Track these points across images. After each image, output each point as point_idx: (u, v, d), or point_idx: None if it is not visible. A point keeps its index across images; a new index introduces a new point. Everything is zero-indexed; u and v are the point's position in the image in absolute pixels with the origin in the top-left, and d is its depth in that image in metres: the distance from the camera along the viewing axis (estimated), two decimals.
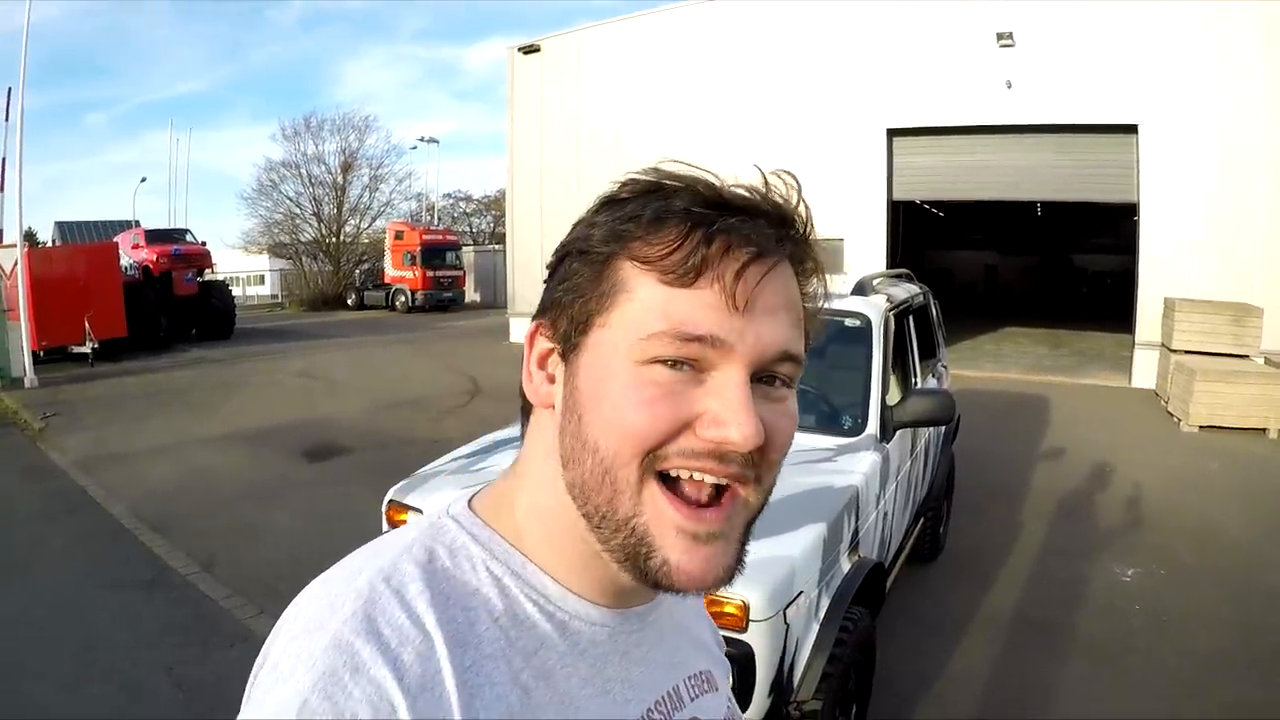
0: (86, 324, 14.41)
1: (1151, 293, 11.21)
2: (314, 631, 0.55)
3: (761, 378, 0.59)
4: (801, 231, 0.62)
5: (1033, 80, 11.54)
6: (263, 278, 38.55)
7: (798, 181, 0.62)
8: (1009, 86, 11.56)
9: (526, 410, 0.68)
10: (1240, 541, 5.66)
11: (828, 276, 0.66)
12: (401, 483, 3.46)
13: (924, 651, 4.07)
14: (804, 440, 3.32)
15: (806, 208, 0.62)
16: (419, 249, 26.92)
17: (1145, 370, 11.21)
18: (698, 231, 0.57)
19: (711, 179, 0.60)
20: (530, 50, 17.21)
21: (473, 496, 0.68)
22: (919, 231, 28.32)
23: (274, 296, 35.82)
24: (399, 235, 27.91)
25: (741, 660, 2.22)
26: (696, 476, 0.57)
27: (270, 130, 63.16)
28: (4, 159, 14.00)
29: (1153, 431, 8.94)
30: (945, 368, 5.42)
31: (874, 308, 3.74)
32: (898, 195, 13.31)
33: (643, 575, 0.59)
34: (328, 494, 6.83)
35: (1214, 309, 10.05)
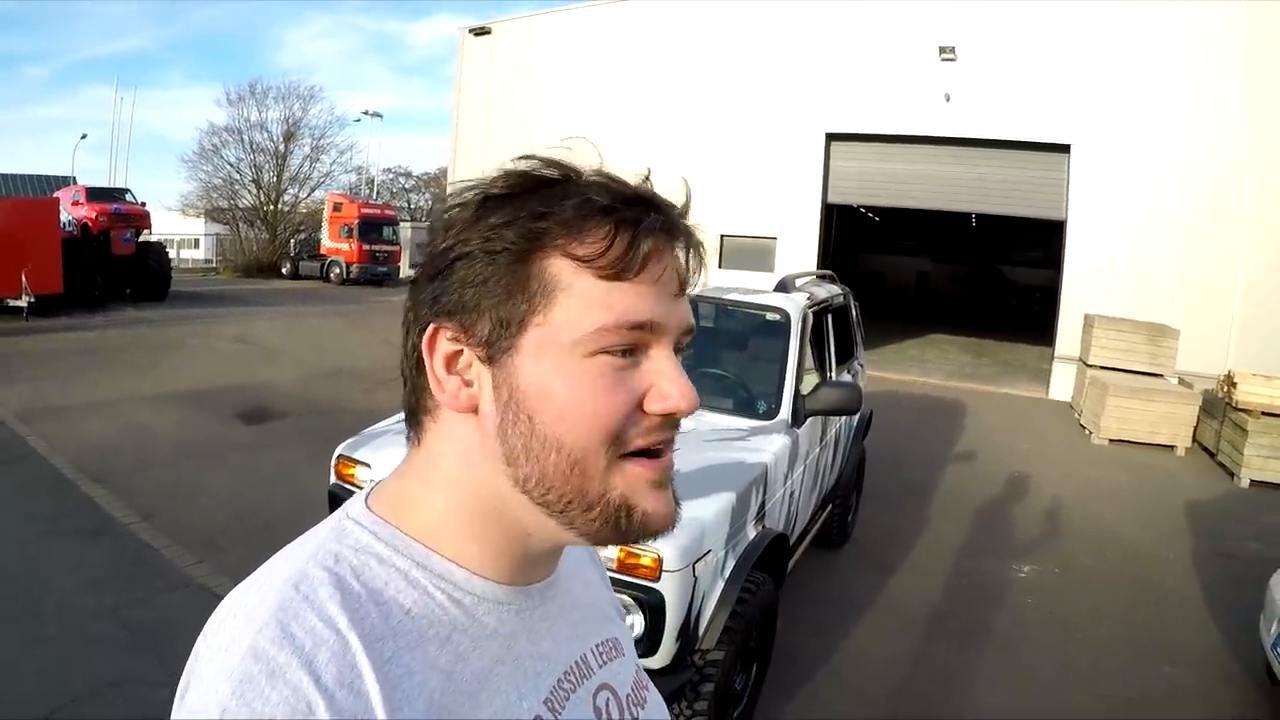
0: (23, 278, 14.09)
1: (1073, 308, 11.76)
2: (230, 644, 0.57)
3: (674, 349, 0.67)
4: (689, 224, 0.69)
5: (972, 94, 12.00)
6: (198, 242, 37.60)
7: (687, 185, 0.80)
8: (948, 99, 12.02)
9: (416, 413, 0.70)
10: (1137, 546, 6.05)
11: (706, 264, 0.71)
12: (350, 440, 3.73)
13: (826, 630, 4.39)
14: (722, 421, 3.68)
15: (690, 203, 0.71)
16: (356, 222, 26.55)
17: (1063, 383, 11.78)
18: (627, 229, 0.62)
19: (606, 170, 0.67)
20: (481, 32, 17.30)
21: (367, 497, 0.70)
22: (852, 234, 28.84)
23: (208, 261, 35.01)
24: (337, 207, 27.50)
25: (653, 607, 2.56)
26: (653, 447, 0.64)
27: (211, 94, 61.49)
28: None
29: (1064, 442, 9.43)
30: (862, 366, 5.81)
31: (794, 304, 4.09)
32: (832, 199, 13.73)
33: (623, 535, 0.65)
34: (265, 456, 6.99)
35: (1131, 327, 10.56)
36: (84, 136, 36.38)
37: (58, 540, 5.18)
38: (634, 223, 0.62)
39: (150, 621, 4.16)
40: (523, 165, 0.66)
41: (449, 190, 0.68)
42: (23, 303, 14.26)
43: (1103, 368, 10.36)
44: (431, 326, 0.65)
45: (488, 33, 17.23)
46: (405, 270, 29.71)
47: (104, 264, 17.75)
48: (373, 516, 0.67)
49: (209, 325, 15.21)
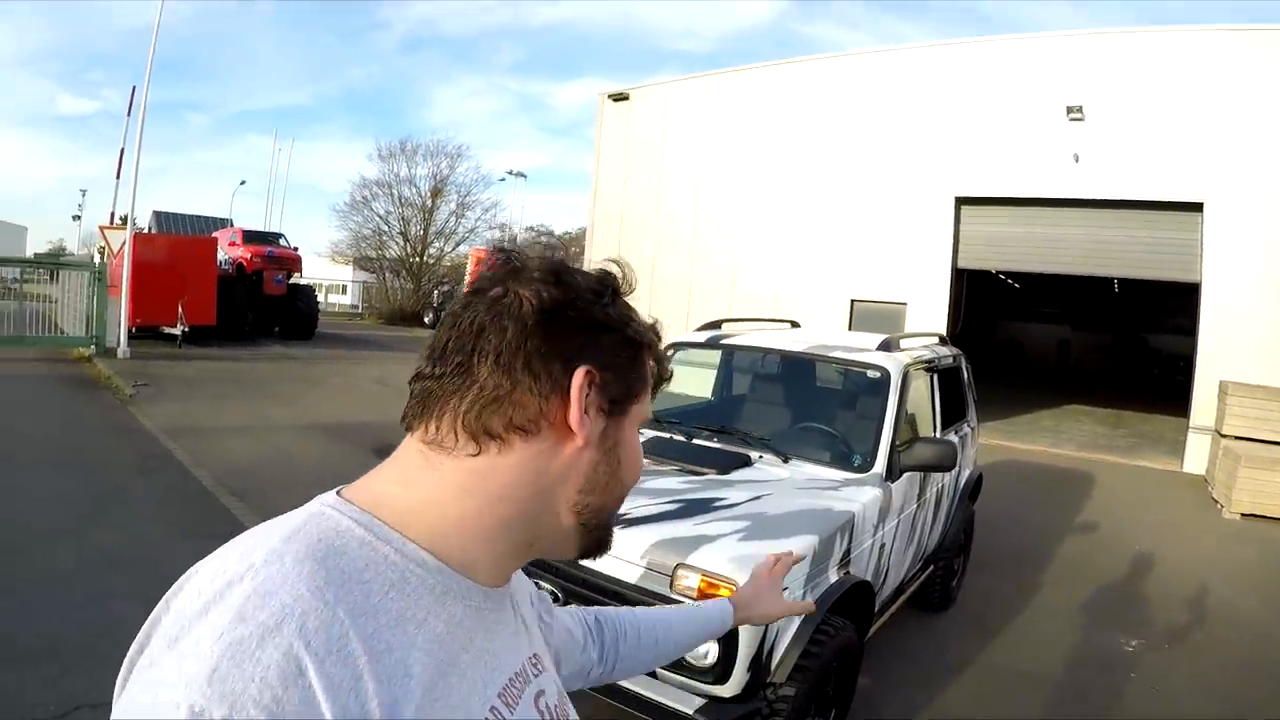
0: (180, 308, 15.51)
1: (1208, 375, 11.13)
2: (215, 607, 0.58)
3: None
4: None
5: (1101, 154, 11.60)
6: (345, 287, 40.13)
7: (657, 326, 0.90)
8: (1076, 160, 11.66)
9: (489, 428, 0.73)
10: (1258, 625, 5.69)
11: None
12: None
13: (914, 687, 4.30)
14: (818, 471, 3.73)
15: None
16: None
17: (1198, 455, 11.08)
18: (667, 360, 0.88)
19: (653, 329, 0.87)
20: (619, 98, 17.92)
21: (344, 490, 0.76)
22: (991, 301, 28.11)
23: (354, 306, 37.21)
24: (480, 262, 28.77)
25: (727, 637, 2.64)
26: None
27: (362, 148, 65.99)
28: (122, 149, 15.34)
29: (1193, 515, 8.88)
30: (973, 428, 5.70)
31: (894, 362, 4.11)
32: (963, 264, 13.44)
33: (599, 545, 0.84)
34: None
35: (1267, 395, 9.94)
36: (243, 182, 40.15)
37: (194, 542, 5.48)
38: (663, 361, 0.86)
39: None
40: (615, 267, 0.85)
41: (544, 242, 0.89)
42: (178, 331, 15.62)
43: (1237, 438, 9.73)
44: (588, 369, 0.75)
45: (625, 98, 17.85)
46: None
47: (256, 302, 19.26)
48: (351, 505, 0.72)
49: (351, 365, 16.13)
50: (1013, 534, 7.30)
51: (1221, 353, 11.11)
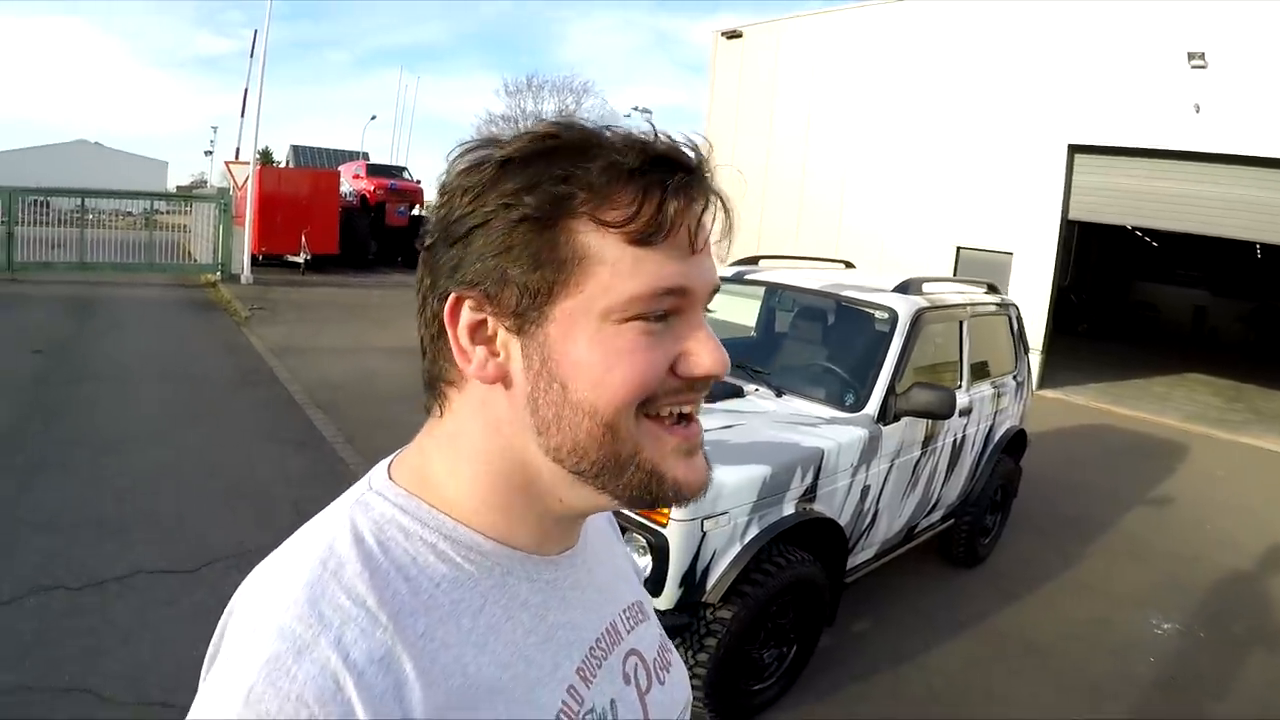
0: (303, 238, 16.51)
1: None
2: (258, 623, 0.57)
3: None
4: (714, 176, 0.67)
5: (1224, 106, 10.64)
6: None
7: (708, 140, 0.68)
8: (1197, 110, 10.73)
9: (437, 383, 0.68)
10: None
11: (735, 222, 0.69)
12: None
13: (909, 638, 4.29)
14: (809, 408, 3.79)
15: (710, 149, 0.68)
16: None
17: None
18: (655, 191, 0.60)
19: (632, 134, 0.63)
20: (733, 35, 17.60)
21: (390, 466, 0.70)
22: (1126, 259, 26.39)
23: None
24: None
25: (659, 549, 2.80)
26: (675, 411, 0.64)
27: (493, 83, 66.98)
28: (246, 89, 16.39)
29: None
30: (1020, 382, 5.52)
31: (906, 304, 4.08)
32: (1074, 215, 12.68)
33: (653, 501, 0.65)
34: None
35: None
36: (373, 118, 41.66)
37: (273, 445, 6.26)
38: (661, 184, 0.60)
39: (318, 513, 5.00)
40: (542, 128, 0.63)
41: (459, 151, 0.65)
42: (300, 259, 16.64)
43: None
44: (453, 296, 0.63)
45: (739, 36, 17.54)
46: None
47: (379, 232, 20.18)
48: (396, 488, 0.67)
49: None
50: (1075, 499, 7.01)
51: None
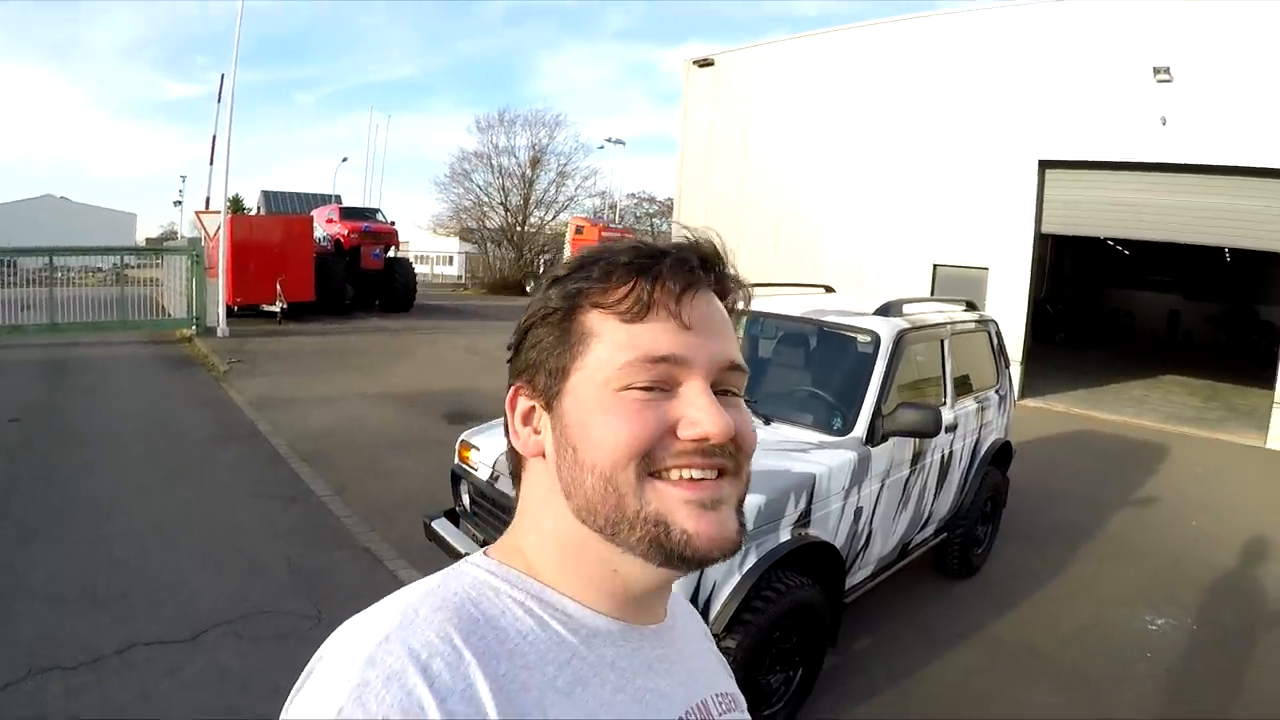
0: (278, 286, 16.35)
1: None
2: (349, 653, 0.60)
3: (716, 390, 0.70)
4: (721, 266, 0.75)
5: (1189, 118, 10.95)
6: (451, 259, 41.26)
7: (719, 236, 0.77)
8: (1164, 123, 11.01)
9: (516, 473, 0.78)
10: None
11: (750, 302, 0.80)
12: (476, 427, 4.29)
13: (911, 652, 4.34)
14: (797, 434, 3.84)
15: (724, 248, 0.76)
16: (597, 243, 27.96)
17: None
18: (643, 276, 0.70)
19: (644, 242, 0.74)
20: (705, 64, 17.77)
21: (485, 549, 0.77)
22: (1099, 268, 26.90)
23: (459, 278, 38.19)
24: (579, 230, 28.88)
25: None
26: (685, 475, 0.67)
27: (467, 119, 67.30)
28: (215, 135, 16.35)
29: (1263, 495, 8.23)
30: (1002, 395, 5.61)
31: (887, 327, 4.15)
32: (1046, 228, 12.95)
33: (668, 555, 0.67)
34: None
35: None
36: (345, 159, 41.53)
37: (260, 502, 6.20)
38: (648, 269, 0.70)
39: (313, 570, 4.99)
40: (582, 254, 0.75)
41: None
42: (277, 308, 16.46)
43: None
44: (512, 388, 0.75)
45: (711, 64, 17.70)
46: None
47: (355, 277, 19.98)
48: (489, 559, 0.73)
49: (444, 336, 16.58)
50: (1061, 506, 7.11)
51: None
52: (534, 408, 0.74)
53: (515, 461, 0.78)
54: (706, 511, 0.67)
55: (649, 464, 0.67)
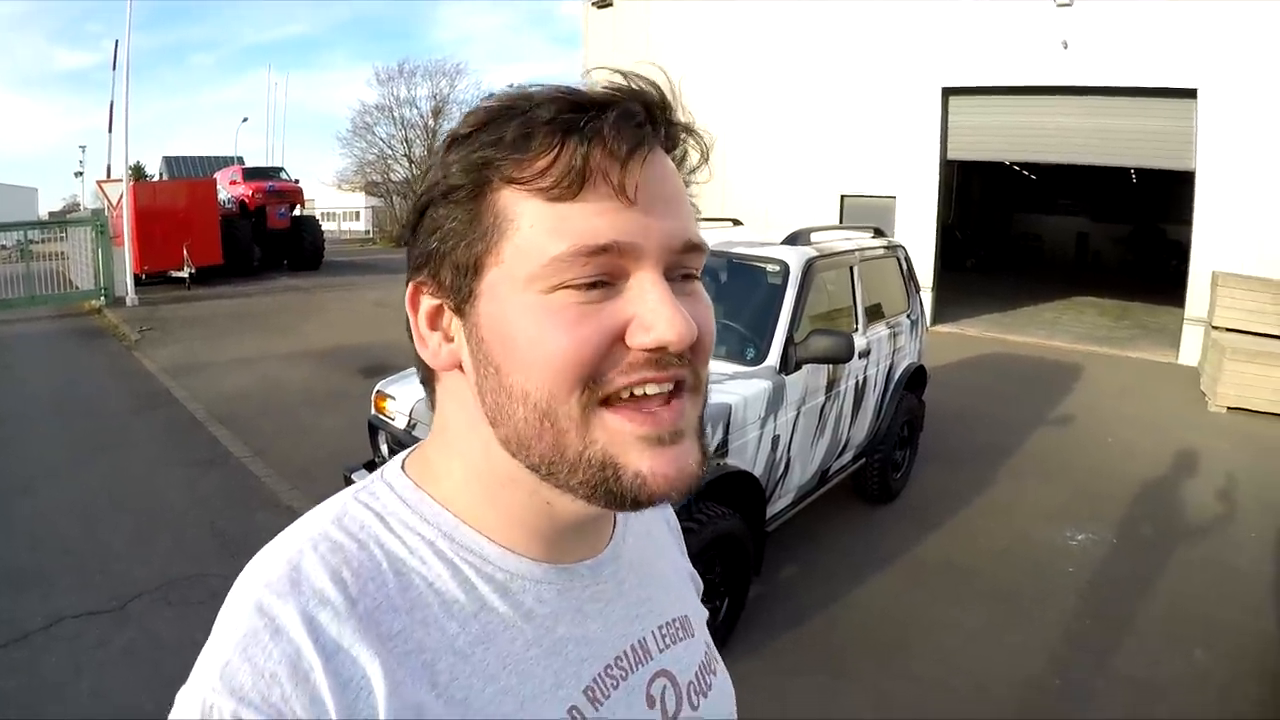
0: (185, 251, 15.82)
1: (1203, 266, 10.80)
2: (243, 599, 0.55)
3: (672, 276, 0.57)
4: (670, 115, 0.59)
5: (1090, 41, 11.21)
6: (359, 214, 40.39)
7: (666, 75, 0.60)
8: (1065, 47, 11.27)
9: (428, 380, 0.66)
10: (1215, 522, 5.46)
11: (709, 155, 0.63)
12: (390, 376, 4.23)
13: (837, 578, 4.44)
14: (710, 365, 3.86)
15: (673, 93, 0.60)
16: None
17: (1192, 347, 10.89)
18: (571, 137, 0.54)
19: (568, 87, 0.57)
20: (604, 4, 17.44)
21: (406, 458, 0.67)
22: (1007, 193, 27.55)
23: (367, 233, 37.46)
24: None
25: None
26: (638, 391, 0.55)
27: (367, 73, 65.08)
28: (112, 103, 15.56)
29: (1177, 409, 8.64)
30: (914, 320, 5.72)
31: (795, 255, 4.20)
32: (952, 155, 13.20)
33: (619, 499, 0.56)
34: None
35: (1261, 286, 9.59)
36: (245, 120, 40.20)
37: (180, 469, 6.04)
38: (578, 128, 0.54)
39: (239, 533, 4.91)
40: (488, 102, 0.59)
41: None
42: (185, 274, 15.93)
43: (1228, 329, 9.41)
44: (411, 284, 0.61)
45: (610, 4, 17.38)
46: None
47: (261, 237, 19.37)
48: (405, 479, 0.64)
49: (354, 291, 16.24)
50: (979, 429, 7.34)
51: (1216, 243, 10.79)
52: (441, 306, 0.60)
53: (425, 369, 0.65)
54: (665, 448, 0.55)
55: (595, 388, 0.54)
